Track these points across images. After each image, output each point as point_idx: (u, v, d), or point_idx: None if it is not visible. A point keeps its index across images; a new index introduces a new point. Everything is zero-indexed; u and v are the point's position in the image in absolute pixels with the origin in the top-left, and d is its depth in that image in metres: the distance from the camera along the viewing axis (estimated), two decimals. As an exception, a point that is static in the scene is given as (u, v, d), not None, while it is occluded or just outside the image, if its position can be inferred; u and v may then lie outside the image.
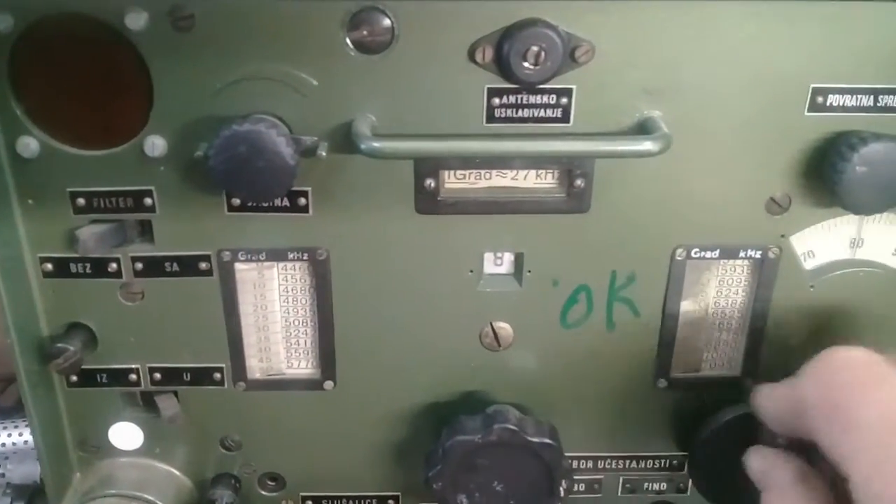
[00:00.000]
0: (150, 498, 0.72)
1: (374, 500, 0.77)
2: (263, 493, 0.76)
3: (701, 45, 0.58)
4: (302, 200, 0.63)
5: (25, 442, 1.00)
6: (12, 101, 0.59)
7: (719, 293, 0.69)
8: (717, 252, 0.65)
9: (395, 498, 0.77)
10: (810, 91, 0.60)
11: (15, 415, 1.12)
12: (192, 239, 0.64)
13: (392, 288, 0.67)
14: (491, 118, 0.60)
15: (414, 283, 0.66)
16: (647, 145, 0.57)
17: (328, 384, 0.70)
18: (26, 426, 1.01)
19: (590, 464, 0.75)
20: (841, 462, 0.49)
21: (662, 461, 0.75)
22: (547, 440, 0.67)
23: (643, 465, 0.75)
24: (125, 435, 0.73)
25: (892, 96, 0.60)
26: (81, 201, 0.62)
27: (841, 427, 0.49)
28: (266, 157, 0.57)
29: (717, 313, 0.69)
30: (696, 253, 0.65)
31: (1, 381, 1.22)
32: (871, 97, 0.60)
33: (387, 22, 0.57)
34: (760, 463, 0.60)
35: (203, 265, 0.65)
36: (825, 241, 0.66)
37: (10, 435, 1.01)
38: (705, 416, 0.71)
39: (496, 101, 0.60)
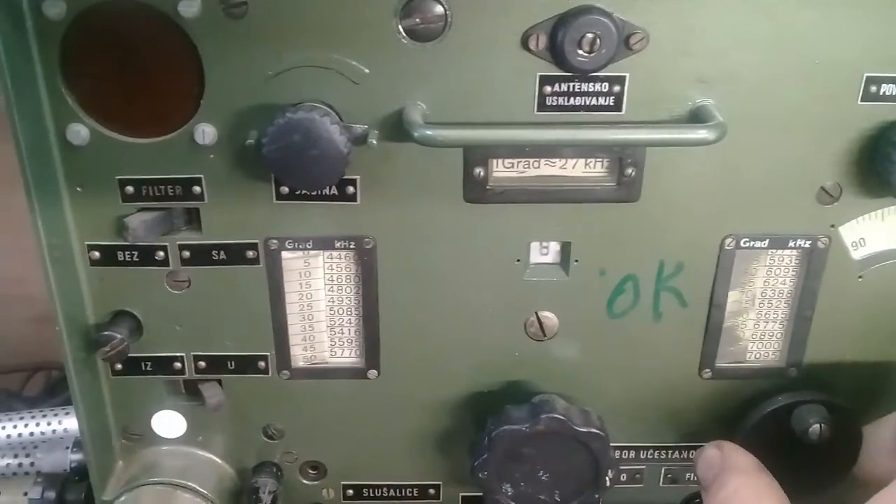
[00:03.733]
0: (193, 485, 0.72)
1: (414, 489, 0.77)
2: (305, 481, 0.76)
3: (755, 33, 0.58)
4: (350, 189, 0.63)
5: (53, 431, 1.01)
6: (63, 89, 0.59)
7: (766, 283, 0.68)
8: (767, 241, 0.65)
9: (437, 487, 0.77)
10: (864, 80, 0.59)
11: (41, 403, 1.13)
12: (240, 227, 0.64)
13: (438, 277, 0.66)
14: (542, 106, 0.60)
15: (460, 271, 0.66)
16: (703, 133, 0.57)
17: (372, 373, 0.70)
18: (54, 415, 1.02)
19: (632, 454, 0.75)
20: None
21: None
22: (595, 430, 0.67)
23: (685, 456, 0.75)
24: (168, 423, 0.73)
25: None
26: (130, 189, 0.62)
27: None
28: (320, 146, 0.57)
29: (765, 303, 0.69)
30: (745, 242, 0.65)
31: (26, 370, 1.23)
32: None
33: (440, 9, 0.57)
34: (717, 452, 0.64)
35: (250, 253, 0.65)
36: (875, 231, 0.65)
37: (38, 424, 1.02)
38: (749, 406, 0.71)
39: (548, 88, 0.59)
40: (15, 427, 1.00)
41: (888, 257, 0.66)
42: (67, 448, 0.86)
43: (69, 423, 1.00)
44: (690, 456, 0.75)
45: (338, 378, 0.71)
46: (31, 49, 0.57)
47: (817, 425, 0.67)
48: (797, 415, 0.68)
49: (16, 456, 0.94)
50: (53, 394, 1.19)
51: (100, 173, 0.62)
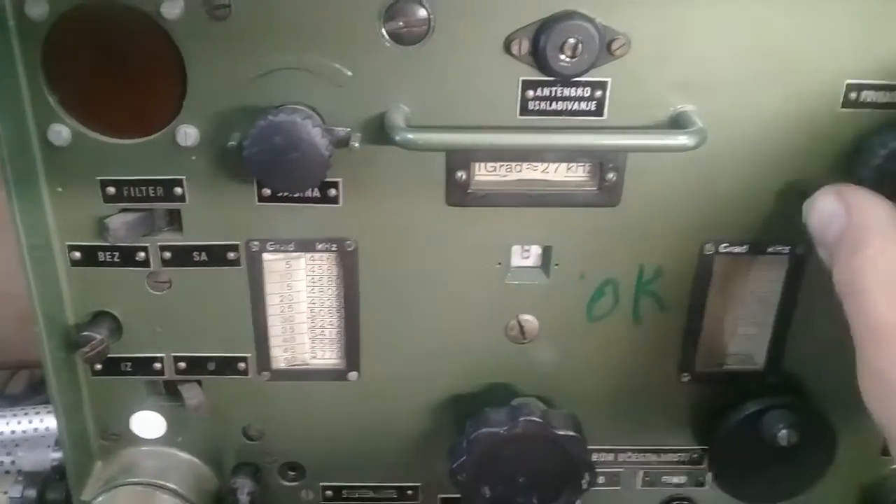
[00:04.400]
0: (172, 486, 0.72)
1: (394, 491, 0.77)
2: (284, 482, 0.76)
3: (736, 40, 0.58)
4: (332, 191, 0.63)
5: (35, 429, 1.00)
6: (45, 89, 0.59)
7: (745, 288, 0.69)
8: (746, 247, 0.65)
9: (415, 489, 0.77)
10: (845, 87, 0.60)
11: (24, 402, 1.12)
12: (221, 229, 0.64)
13: (419, 279, 0.66)
14: (524, 110, 0.60)
15: (441, 274, 0.66)
16: (683, 140, 0.57)
17: (352, 375, 0.70)
18: (36, 413, 1.01)
19: (610, 456, 0.75)
20: None
21: (682, 455, 0.75)
22: (572, 433, 0.67)
23: (663, 459, 0.76)
24: (147, 423, 0.73)
25: None
26: (111, 190, 0.62)
27: None
28: (301, 149, 0.57)
29: (744, 308, 0.69)
30: (724, 247, 0.65)
31: (8, 368, 1.22)
32: None
33: (423, 13, 0.57)
34: (837, 202, 0.53)
35: (231, 255, 0.65)
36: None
37: (19, 422, 1.01)
38: (727, 410, 0.71)
39: (530, 93, 0.60)
40: (-4, 425, 1.00)
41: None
42: (49, 447, 0.85)
43: (51, 421, 0.99)
44: (668, 459, 0.75)
45: (318, 380, 0.71)
46: (13, 49, 0.57)
47: (785, 431, 0.68)
48: (767, 420, 0.69)
49: (-4, 454, 0.94)
50: (36, 392, 1.18)
51: (81, 174, 0.62)
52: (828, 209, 0.54)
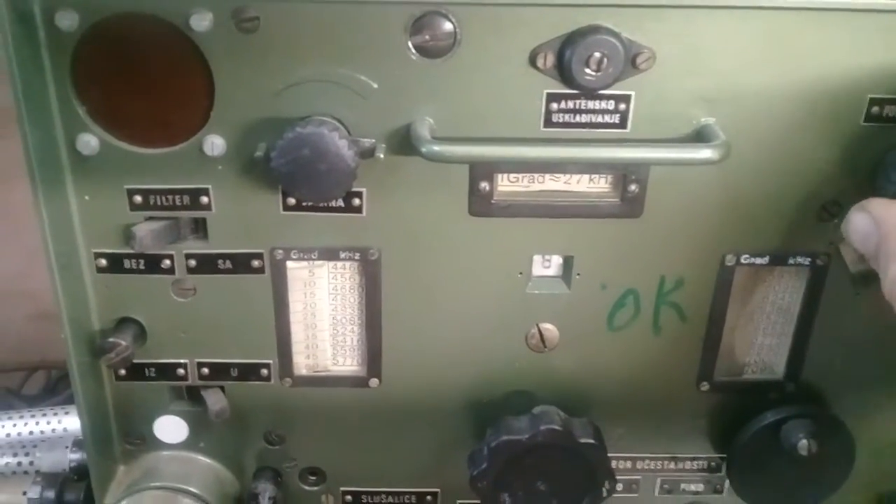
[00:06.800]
0: (194, 490, 0.73)
1: (413, 497, 0.77)
2: (304, 487, 0.77)
3: (760, 54, 0.59)
4: (356, 201, 0.63)
5: (53, 430, 1.01)
6: (74, 99, 0.59)
7: (766, 299, 0.69)
8: (767, 258, 0.66)
9: (434, 494, 0.77)
10: (868, 101, 0.60)
11: (41, 403, 1.12)
12: (246, 237, 0.65)
13: (441, 288, 0.67)
14: (548, 123, 0.61)
15: (463, 283, 0.67)
16: (706, 153, 0.57)
17: (373, 382, 0.71)
18: (54, 414, 1.02)
19: (629, 464, 0.76)
20: None
21: (700, 462, 0.76)
22: (592, 441, 0.67)
23: (681, 467, 0.76)
24: (170, 428, 0.73)
25: None
26: (138, 198, 0.63)
27: None
28: (328, 160, 0.57)
29: (763, 318, 0.70)
30: (745, 259, 0.66)
31: (24, 369, 1.23)
32: None
33: (449, 26, 0.57)
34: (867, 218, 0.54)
35: (255, 263, 0.65)
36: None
37: (38, 423, 1.02)
38: (746, 419, 0.71)
39: (554, 105, 0.60)
40: (14, 426, 1.00)
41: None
42: (67, 447, 0.86)
43: (69, 422, 1.00)
44: (686, 467, 0.76)
45: (339, 386, 0.72)
46: (43, 59, 0.58)
47: (805, 440, 0.68)
48: (786, 429, 0.69)
49: (15, 455, 0.95)
50: (53, 392, 1.19)
51: (108, 182, 0.62)
52: (861, 225, 0.54)
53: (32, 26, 0.57)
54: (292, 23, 0.57)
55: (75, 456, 0.85)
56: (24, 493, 0.81)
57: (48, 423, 1.02)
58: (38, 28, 0.57)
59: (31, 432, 1.01)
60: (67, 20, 0.56)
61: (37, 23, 0.57)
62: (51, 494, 0.80)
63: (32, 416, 1.03)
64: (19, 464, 0.95)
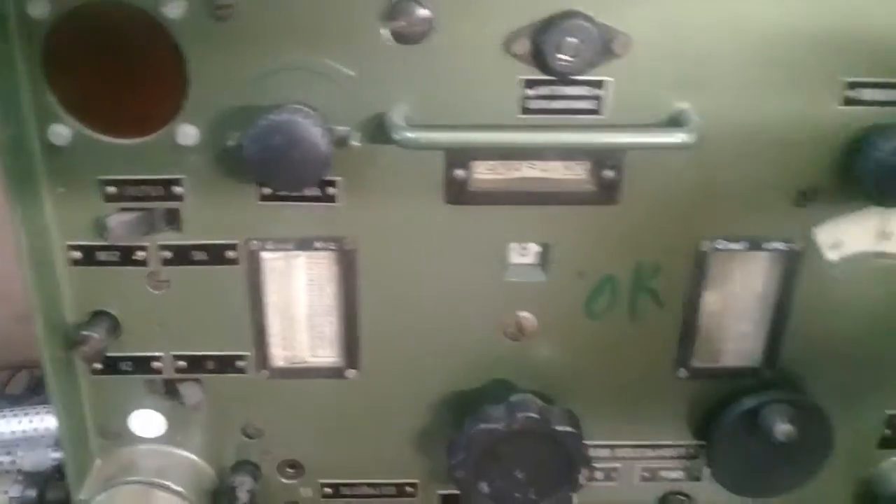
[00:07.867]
0: (171, 485, 0.72)
1: (392, 488, 0.77)
2: (283, 479, 0.76)
3: (735, 38, 0.59)
4: (331, 190, 0.63)
5: (35, 429, 1.00)
6: (45, 89, 0.59)
7: (742, 285, 0.69)
8: (743, 244, 0.66)
9: (414, 485, 0.77)
10: (844, 85, 0.60)
11: (24, 402, 1.11)
12: (221, 228, 0.64)
13: (418, 277, 0.67)
14: (525, 109, 0.60)
15: (440, 272, 0.67)
16: (681, 137, 0.58)
17: (351, 372, 0.70)
18: (36, 413, 1.01)
19: (607, 452, 0.76)
20: None
21: (679, 450, 0.76)
22: (569, 428, 0.67)
23: (660, 454, 0.76)
24: (146, 422, 0.73)
25: None
26: (112, 189, 0.62)
27: None
28: (302, 148, 0.57)
29: (740, 304, 0.70)
30: (721, 245, 0.66)
31: (8, 368, 1.22)
32: None
33: (424, 12, 0.57)
34: None
35: (230, 254, 0.65)
36: (851, 235, 0.66)
37: (20, 422, 1.01)
38: (724, 406, 0.72)
39: (530, 92, 0.60)
40: (-3, 425, 1.00)
41: (864, 261, 0.67)
42: (49, 447, 0.86)
43: (51, 421, 0.98)
44: (665, 454, 0.76)
45: (317, 378, 0.71)
46: (14, 48, 0.57)
47: (783, 425, 0.68)
48: (764, 415, 0.69)
49: (-3, 454, 0.94)
50: (36, 392, 1.18)
51: (81, 174, 0.62)
52: None
53: (3, 14, 0.56)
54: (267, 10, 0.57)
55: (57, 455, 0.84)
56: (6, 493, 0.81)
57: (30, 422, 1.01)
58: (9, 16, 0.56)
59: (13, 432, 1.00)
60: (39, 8, 0.56)
61: (8, 11, 0.56)
62: (32, 493, 0.80)
63: (15, 416, 1.01)
64: (1, 463, 0.94)
